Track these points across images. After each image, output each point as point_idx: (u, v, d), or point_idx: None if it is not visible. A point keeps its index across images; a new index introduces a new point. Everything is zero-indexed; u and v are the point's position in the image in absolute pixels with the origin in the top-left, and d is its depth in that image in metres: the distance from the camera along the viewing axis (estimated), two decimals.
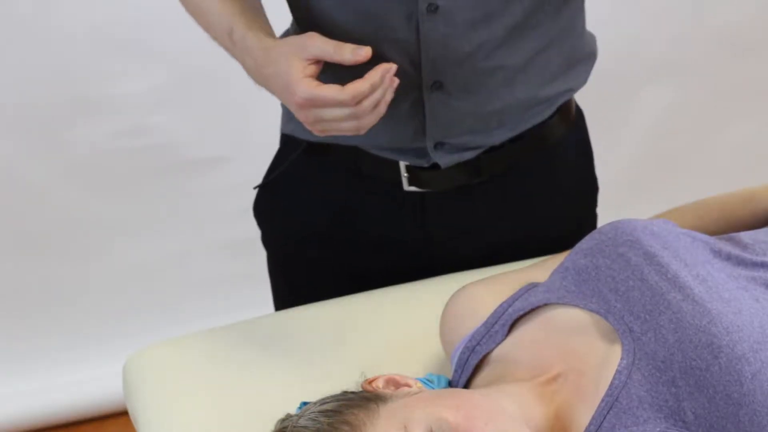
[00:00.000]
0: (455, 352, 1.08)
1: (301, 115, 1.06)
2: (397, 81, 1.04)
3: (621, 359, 0.94)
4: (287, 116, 1.30)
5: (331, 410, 0.94)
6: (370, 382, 1.01)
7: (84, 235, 2.19)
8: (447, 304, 1.13)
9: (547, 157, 1.28)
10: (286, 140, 1.32)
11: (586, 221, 1.38)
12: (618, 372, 0.93)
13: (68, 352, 2.28)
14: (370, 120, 1.05)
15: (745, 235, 1.08)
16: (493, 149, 1.23)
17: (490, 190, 1.27)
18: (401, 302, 1.26)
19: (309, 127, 1.08)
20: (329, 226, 1.31)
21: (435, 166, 1.22)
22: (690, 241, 1.03)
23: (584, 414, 0.93)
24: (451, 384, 1.07)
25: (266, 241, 1.40)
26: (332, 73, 1.07)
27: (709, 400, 0.88)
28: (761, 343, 0.89)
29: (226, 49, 1.15)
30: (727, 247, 1.04)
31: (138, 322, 2.26)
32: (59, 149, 2.09)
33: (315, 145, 1.26)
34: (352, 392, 0.99)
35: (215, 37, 1.16)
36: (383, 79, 1.03)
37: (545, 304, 1.03)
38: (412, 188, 1.24)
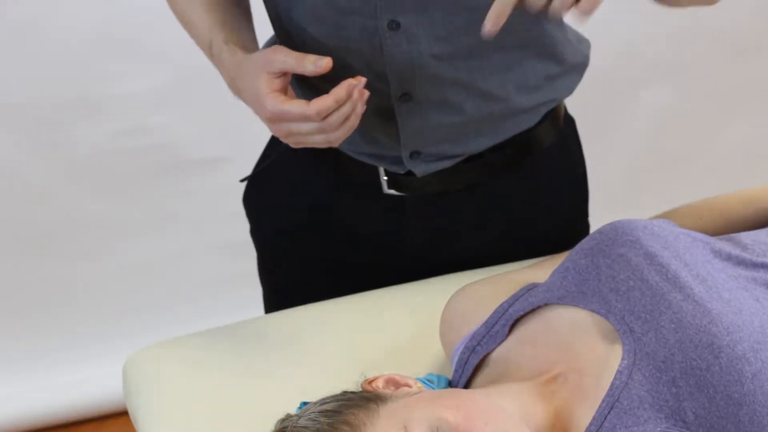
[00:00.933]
0: (455, 352, 1.08)
1: (272, 129, 1.08)
2: (367, 93, 1.05)
3: (622, 359, 0.94)
4: None
5: (331, 410, 0.94)
6: (370, 382, 1.01)
7: (84, 235, 2.19)
8: (447, 304, 1.13)
9: (533, 163, 1.27)
10: (273, 136, 1.33)
11: (574, 231, 1.36)
12: (619, 372, 0.93)
13: (68, 352, 2.28)
14: (340, 134, 1.06)
15: (746, 236, 1.08)
16: (472, 158, 1.23)
17: (474, 195, 1.27)
18: (402, 302, 1.26)
19: (282, 140, 1.09)
20: (311, 221, 1.31)
21: (412, 173, 1.22)
22: (690, 241, 1.03)
23: (585, 414, 0.93)
24: (451, 384, 1.07)
25: (254, 233, 1.41)
26: (311, 86, 1.08)
27: (709, 400, 0.88)
28: (761, 343, 0.89)
29: (209, 59, 1.17)
30: (727, 248, 1.04)
31: (138, 322, 2.26)
32: (59, 149, 2.09)
33: None
34: (352, 392, 0.99)
35: (200, 47, 1.19)
36: (350, 93, 1.03)
37: (546, 305, 1.03)
38: (392, 192, 1.24)
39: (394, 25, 1.09)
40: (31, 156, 2.08)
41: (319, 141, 1.06)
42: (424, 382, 1.04)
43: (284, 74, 1.06)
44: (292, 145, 1.09)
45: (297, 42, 1.15)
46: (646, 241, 1.01)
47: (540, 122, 1.25)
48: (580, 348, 0.98)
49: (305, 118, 1.04)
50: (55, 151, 2.10)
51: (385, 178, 1.24)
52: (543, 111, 1.24)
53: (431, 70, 1.12)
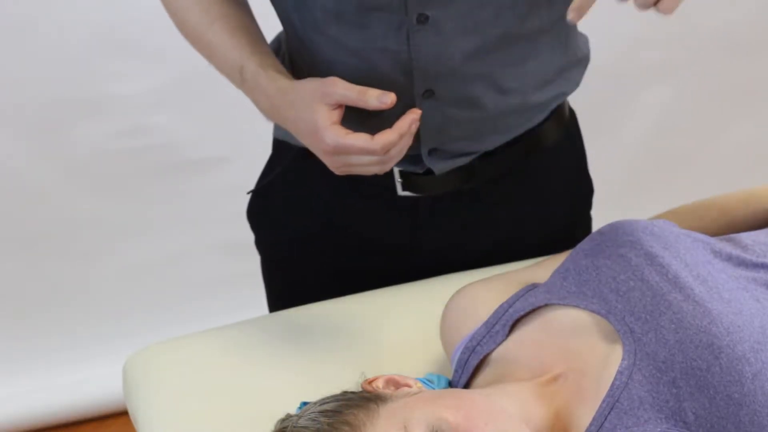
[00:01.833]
0: (455, 353, 1.08)
1: (327, 161, 1.07)
2: (418, 123, 1.06)
3: (622, 360, 0.94)
4: None
5: (331, 410, 0.94)
6: (370, 382, 1.01)
7: (84, 235, 2.19)
8: (447, 304, 1.13)
9: (540, 160, 1.28)
10: (279, 145, 1.32)
11: (580, 224, 1.37)
12: (619, 372, 0.93)
13: (68, 352, 2.28)
14: (395, 162, 1.07)
15: (746, 236, 1.08)
16: (486, 154, 1.23)
17: (483, 195, 1.27)
18: (402, 302, 1.26)
19: (333, 170, 1.08)
20: (321, 231, 1.31)
21: (429, 172, 1.22)
22: (690, 241, 1.03)
23: (585, 414, 0.93)
24: (451, 384, 1.07)
25: (260, 244, 1.40)
26: (351, 110, 1.08)
27: (709, 400, 0.88)
28: (762, 344, 0.89)
29: (234, 83, 1.15)
30: (727, 248, 1.04)
31: (138, 322, 2.26)
32: (59, 149, 2.10)
33: (308, 150, 1.26)
34: (352, 392, 0.99)
35: (221, 70, 1.16)
36: (411, 126, 1.04)
37: (546, 305, 1.03)
38: (406, 193, 1.24)
39: (423, 19, 1.08)
40: (31, 156, 2.08)
41: (373, 171, 1.07)
42: (424, 382, 1.04)
43: (340, 106, 1.06)
44: (340, 173, 1.09)
45: (311, 46, 1.14)
46: (647, 242, 1.01)
47: (548, 118, 1.25)
48: (581, 348, 0.98)
49: (368, 152, 1.03)
50: (55, 151, 2.10)
51: (400, 180, 1.23)
52: (553, 105, 1.25)
53: (456, 64, 1.12)
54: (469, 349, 1.05)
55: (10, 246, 2.16)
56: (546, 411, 0.96)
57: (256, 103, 1.13)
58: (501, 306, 1.06)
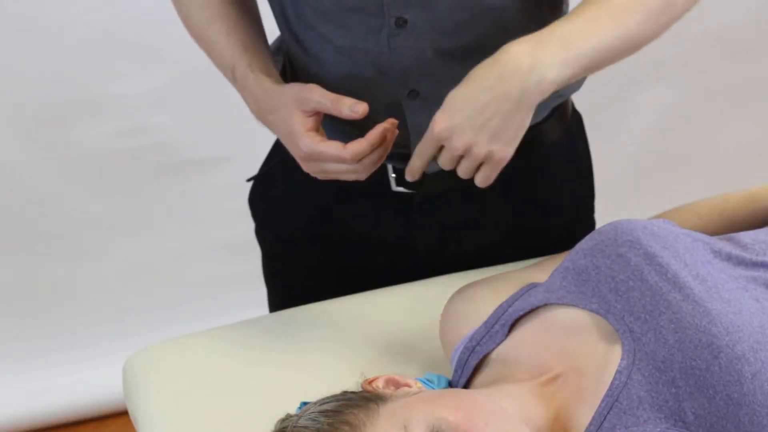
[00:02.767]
0: (455, 353, 1.08)
1: (304, 166, 1.09)
2: (396, 132, 1.07)
3: (621, 359, 0.94)
4: None
5: (331, 410, 0.94)
6: (370, 382, 1.01)
7: (84, 235, 2.19)
8: (447, 304, 1.13)
9: (539, 160, 1.27)
10: None
11: (580, 227, 1.35)
12: (618, 372, 0.93)
13: (68, 352, 2.28)
14: (370, 171, 1.08)
15: (745, 235, 1.08)
16: None
17: (479, 192, 1.26)
18: (401, 302, 1.26)
19: (312, 175, 1.10)
20: (316, 224, 1.31)
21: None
22: (690, 241, 1.03)
23: (584, 414, 0.93)
24: (451, 384, 1.07)
25: (259, 233, 1.40)
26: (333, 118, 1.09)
27: (709, 400, 0.88)
28: (761, 343, 0.89)
29: (229, 81, 1.17)
30: (727, 247, 1.04)
31: (138, 322, 2.26)
32: (59, 149, 2.10)
33: None
34: (352, 392, 0.99)
35: (218, 68, 1.18)
36: (383, 137, 1.05)
37: (545, 305, 1.03)
38: (400, 189, 1.24)
39: (401, 22, 1.09)
40: (31, 156, 2.08)
41: (350, 177, 1.08)
42: (424, 382, 1.04)
43: (317, 113, 1.07)
44: (321, 178, 1.10)
45: (304, 42, 1.15)
46: (646, 242, 1.01)
47: (547, 118, 1.25)
48: (580, 348, 0.98)
49: (340, 160, 1.05)
50: (55, 151, 2.10)
51: (393, 175, 1.24)
52: (551, 106, 1.24)
53: (438, 66, 1.12)
54: (469, 349, 1.05)
55: (10, 246, 2.16)
56: (545, 411, 0.96)
57: (246, 102, 1.15)
58: (500, 306, 1.06)
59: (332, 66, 1.14)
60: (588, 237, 1.07)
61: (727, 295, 0.94)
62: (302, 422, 0.94)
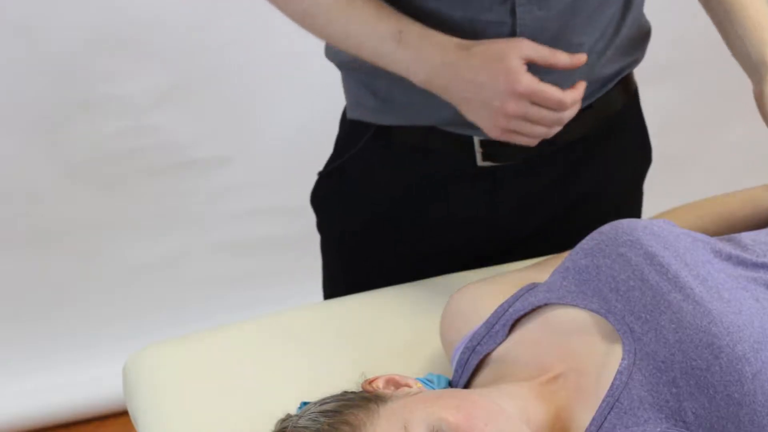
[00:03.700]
0: (456, 352, 1.08)
1: (509, 104, 1.07)
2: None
3: (622, 359, 0.94)
4: (354, 102, 1.30)
5: (331, 410, 0.94)
6: (370, 382, 1.01)
7: (84, 235, 2.19)
8: (447, 304, 1.13)
9: (609, 127, 1.30)
10: (351, 127, 1.32)
11: (637, 193, 1.41)
12: (619, 372, 0.93)
13: (68, 352, 2.28)
14: (558, 128, 1.09)
15: (746, 236, 1.08)
16: None
17: (557, 161, 1.28)
18: (402, 302, 1.26)
19: (496, 127, 1.09)
20: (396, 209, 1.31)
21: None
22: (690, 241, 1.03)
23: (585, 414, 0.93)
24: (451, 384, 1.07)
25: (324, 226, 1.40)
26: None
27: (709, 400, 0.88)
28: (761, 343, 0.89)
29: (380, 52, 1.12)
30: (727, 248, 1.04)
31: (138, 322, 2.26)
32: (59, 149, 2.09)
33: (383, 128, 1.27)
34: (352, 392, 0.99)
35: (361, 43, 1.13)
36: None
37: (546, 304, 1.03)
38: (487, 163, 1.25)
39: None
40: (31, 156, 2.08)
41: (536, 132, 1.09)
42: (424, 382, 1.04)
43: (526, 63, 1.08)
44: (500, 132, 1.09)
45: (411, 13, 1.13)
46: (647, 241, 1.01)
47: (615, 86, 1.28)
48: (580, 348, 0.98)
49: (557, 103, 1.05)
50: (55, 151, 2.09)
51: (480, 150, 1.24)
52: (624, 74, 1.29)
53: (555, 35, 1.13)
54: (469, 348, 1.05)
55: (10, 246, 2.16)
56: (546, 411, 0.96)
57: (417, 62, 1.10)
58: (501, 306, 1.06)
59: None
60: (588, 237, 1.07)
61: (727, 295, 0.94)
62: (302, 422, 0.94)
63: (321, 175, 1.37)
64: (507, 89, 1.06)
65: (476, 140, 1.23)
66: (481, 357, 1.04)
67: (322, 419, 0.93)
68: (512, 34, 1.12)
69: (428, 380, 1.05)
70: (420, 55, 1.10)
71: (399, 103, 1.23)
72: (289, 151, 2.15)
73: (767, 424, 0.86)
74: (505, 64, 1.06)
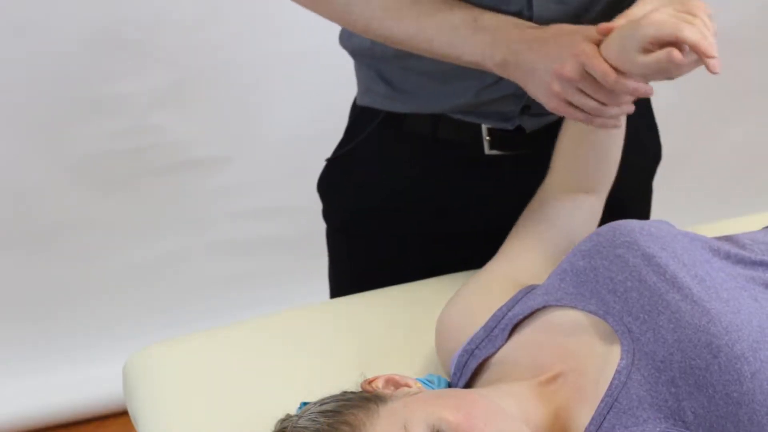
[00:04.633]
0: (454, 359, 1.08)
1: (566, 67, 1.04)
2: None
3: (620, 359, 0.94)
4: (364, 88, 1.31)
5: (330, 411, 0.94)
6: (370, 382, 1.01)
7: (84, 235, 2.19)
8: (440, 320, 1.13)
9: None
10: (361, 112, 1.33)
11: (645, 190, 1.41)
12: (617, 372, 0.93)
13: (68, 352, 2.28)
14: (608, 114, 1.06)
15: (744, 236, 1.08)
16: None
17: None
18: (402, 302, 1.26)
19: (550, 92, 1.06)
20: (404, 196, 1.31)
21: (518, 130, 1.23)
22: (688, 241, 1.03)
23: (584, 414, 0.93)
24: (450, 386, 1.07)
25: (330, 214, 1.39)
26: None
27: (708, 399, 0.88)
28: (760, 343, 0.89)
29: (455, 41, 1.12)
30: (725, 246, 1.04)
31: (138, 322, 2.26)
32: (59, 149, 2.09)
33: (392, 115, 1.28)
34: (352, 392, 0.99)
35: (435, 34, 1.13)
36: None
37: (544, 307, 1.03)
38: (494, 152, 1.25)
39: None
40: (31, 156, 2.08)
41: (591, 107, 1.05)
42: (424, 383, 1.04)
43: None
44: (558, 107, 1.07)
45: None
46: (644, 242, 1.01)
47: None
48: (579, 349, 0.98)
49: (603, 73, 1.01)
50: (55, 151, 2.09)
51: (488, 138, 1.24)
52: None
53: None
54: (468, 351, 1.05)
55: (10, 246, 2.16)
56: (545, 410, 0.96)
57: (495, 44, 1.10)
58: (500, 309, 1.06)
59: None
60: (586, 238, 1.07)
61: (725, 295, 0.94)
62: (302, 422, 0.94)
63: (329, 161, 1.37)
64: (568, 53, 1.04)
65: (484, 128, 1.24)
66: (480, 361, 1.04)
67: (321, 419, 0.93)
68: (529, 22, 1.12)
69: (428, 380, 1.05)
70: (497, 36, 1.09)
71: (411, 91, 1.24)
72: (289, 151, 2.15)
73: (766, 423, 0.86)
74: (573, 36, 1.05)
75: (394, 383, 1.01)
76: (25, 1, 1.95)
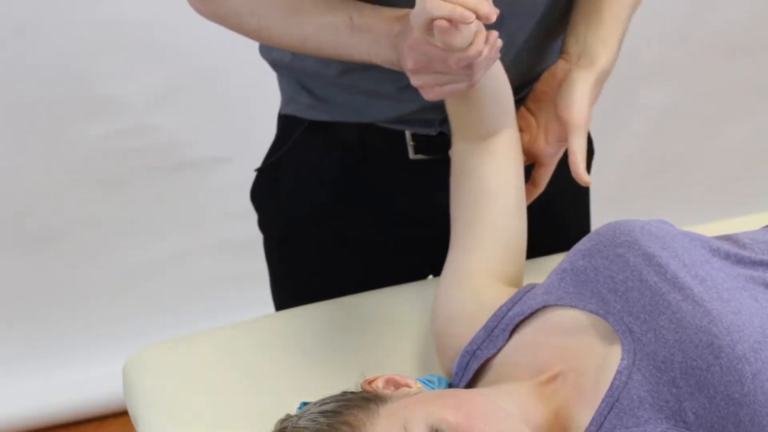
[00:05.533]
0: (456, 361, 1.08)
1: (408, 63, 1.02)
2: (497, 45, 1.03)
3: (621, 360, 0.94)
4: (288, 97, 1.31)
5: (330, 411, 0.94)
6: (370, 382, 1.01)
7: (84, 235, 2.19)
8: (435, 328, 1.12)
9: None
10: (286, 121, 1.32)
11: (580, 187, 1.34)
12: (618, 372, 0.93)
13: (68, 352, 2.28)
14: (483, 71, 1.02)
15: (744, 236, 1.08)
16: None
17: None
18: (401, 302, 1.26)
19: (421, 85, 1.04)
20: (333, 204, 1.31)
21: (441, 134, 1.23)
22: (688, 240, 1.03)
23: (584, 414, 0.93)
24: (450, 386, 1.07)
25: (265, 224, 1.39)
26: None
27: (709, 400, 0.88)
28: (761, 343, 0.89)
29: (337, 49, 1.11)
30: (725, 246, 1.04)
31: (138, 322, 2.26)
32: (59, 149, 2.10)
33: (316, 123, 1.27)
34: (352, 392, 0.99)
35: (318, 43, 1.11)
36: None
37: (544, 306, 1.03)
38: (418, 156, 1.24)
39: None
40: (31, 156, 2.08)
41: (448, 80, 1.02)
42: (424, 383, 1.04)
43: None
44: (428, 96, 1.04)
45: None
46: (645, 242, 1.01)
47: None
48: (579, 349, 0.98)
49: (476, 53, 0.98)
50: (55, 151, 2.10)
51: (412, 143, 1.24)
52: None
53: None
54: (469, 352, 1.05)
55: (10, 246, 2.16)
56: (545, 410, 0.96)
57: (375, 44, 1.08)
58: (499, 309, 1.06)
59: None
60: (586, 238, 1.07)
61: (726, 295, 0.94)
62: (302, 423, 0.94)
63: (258, 170, 1.36)
64: (405, 46, 1.02)
65: (408, 134, 1.23)
66: (481, 362, 1.04)
67: (321, 419, 0.93)
68: None
69: (428, 380, 1.05)
70: (374, 35, 1.07)
71: (334, 102, 1.24)
72: None
73: (767, 424, 0.86)
74: (406, 25, 1.01)
75: (394, 383, 1.01)
76: (25, 1, 1.95)
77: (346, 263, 1.32)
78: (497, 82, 1.13)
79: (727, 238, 1.08)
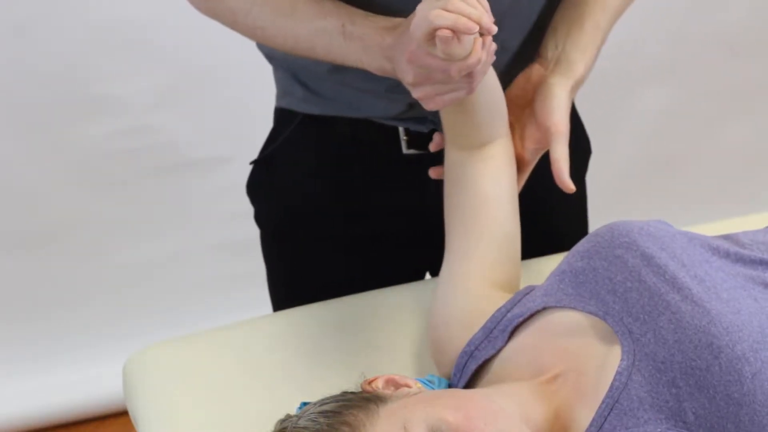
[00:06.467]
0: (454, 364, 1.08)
1: (407, 77, 1.02)
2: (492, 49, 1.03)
3: (621, 360, 0.94)
4: (282, 91, 1.31)
5: (330, 411, 0.94)
6: (370, 382, 1.01)
7: (84, 235, 2.19)
8: (432, 336, 1.12)
9: None
10: (281, 115, 1.32)
11: (578, 185, 1.33)
12: (618, 373, 0.93)
13: (68, 352, 2.28)
14: (480, 79, 1.02)
15: (744, 236, 1.08)
16: None
17: None
18: (401, 303, 1.26)
19: (422, 96, 1.04)
20: (327, 198, 1.31)
21: (434, 130, 1.23)
22: (686, 240, 1.03)
23: (584, 415, 0.93)
24: (450, 387, 1.07)
25: (260, 218, 1.39)
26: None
27: (709, 400, 0.88)
28: (761, 343, 0.90)
29: (329, 49, 1.11)
30: (725, 245, 1.04)
31: (138, 322, 2.26)
32: (59, 149, 2.10)
33: (311, 117, 1.27)
34: (352, 393, 0.99)
35: (311, 46, 1.12)
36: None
37: (543, 308, 1.03)
38: (411, 151, 1.25)
39: None
40: (31, 156, 2.08)
41: (450, 88, 1.02)
42: (424, 383, 1.04)
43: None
44: (428, 106, 1.04)
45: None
46: (643, 243, 1.01)
47: None
48: (579, 349, 0.98)
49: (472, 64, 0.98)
50: (55, 151, 2.10)
51: (405, 138, 1.24)
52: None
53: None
54: (467, 353, 1.05)
55: (9, 246, 2.16)
56: (545, 410, 0.96)
57: (367, 52, 1.08)
58: (498, 310, 1.06)
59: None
60: (584, 239, 1.07)
61: (726, 295, 0.94)
62: (302, 423, 0.94)
63: (253, 163, 1.36)
64: (403, 59, 1.02)
65: (401, 129, 1.24)
66: (479, 362, 1.04)
67: (321, 419, 0.93)
68: None
69: (428, 381, 1.05)
70: (367, 43, 1.07)
71: (327, 96, 1.24)
72: None
73: (767, 423, 0.86)
74: (403, 37, 1.02)
75: (394, 383, 1.01)
76: (25, 1, 1.95)
77: (340, 257, 1.32)
78: (491, 89, 1.14)
79: (726, 237, 1.08)
